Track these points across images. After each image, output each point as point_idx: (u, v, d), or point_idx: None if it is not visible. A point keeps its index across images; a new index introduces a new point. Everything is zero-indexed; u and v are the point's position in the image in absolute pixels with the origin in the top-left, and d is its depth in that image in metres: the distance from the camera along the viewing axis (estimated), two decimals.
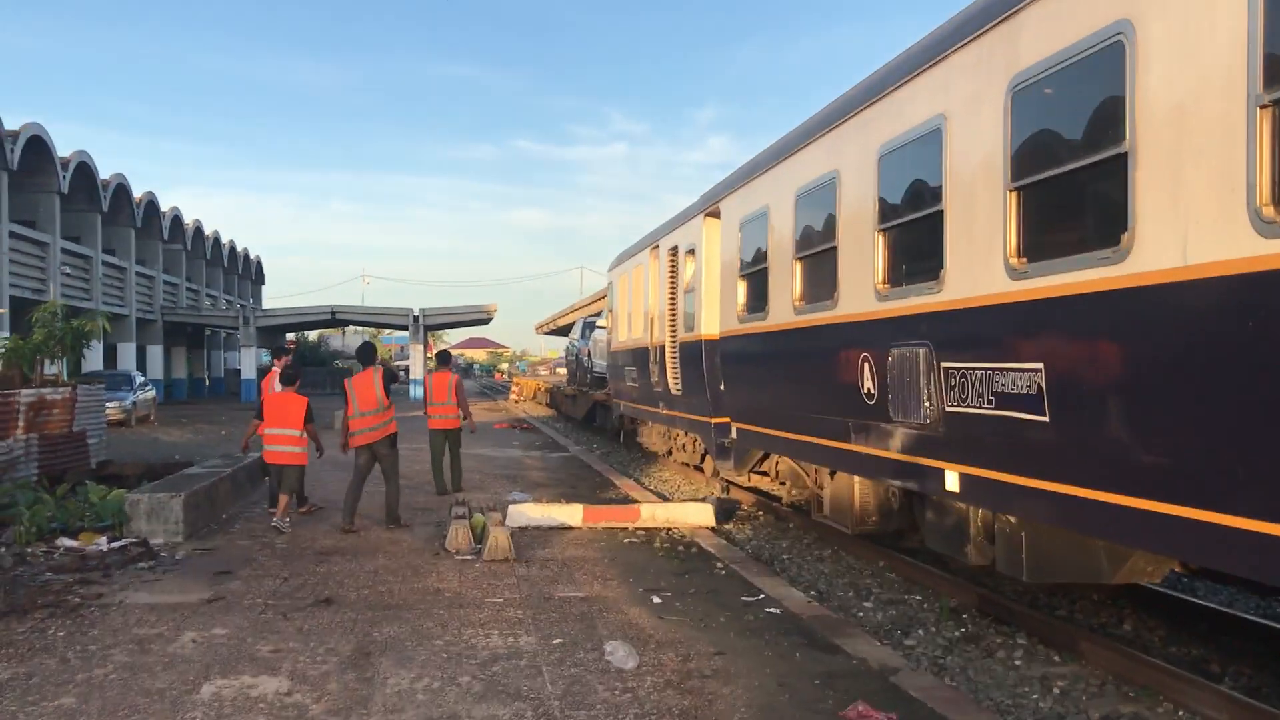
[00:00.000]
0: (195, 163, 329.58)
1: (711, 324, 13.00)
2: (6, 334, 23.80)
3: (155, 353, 49.92)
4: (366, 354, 12.01)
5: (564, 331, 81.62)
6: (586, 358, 27.62)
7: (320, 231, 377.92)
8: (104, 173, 42.90)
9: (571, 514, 11.78)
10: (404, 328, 53.50)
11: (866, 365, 8.16)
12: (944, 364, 6.93)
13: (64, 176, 38.32)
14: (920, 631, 7.89)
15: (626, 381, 18.65)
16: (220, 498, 12.40)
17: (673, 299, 15.01)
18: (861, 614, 8.49)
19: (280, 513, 11.20)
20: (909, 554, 10.12)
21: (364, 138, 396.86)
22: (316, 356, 71.93)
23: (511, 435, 26.10)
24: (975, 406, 6.50)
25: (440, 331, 68.28)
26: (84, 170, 40.70)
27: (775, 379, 10.71)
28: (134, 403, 31.63)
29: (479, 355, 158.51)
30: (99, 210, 42.53)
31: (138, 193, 46.97)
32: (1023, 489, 6.11)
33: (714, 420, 13.01)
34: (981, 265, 6.43)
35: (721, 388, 12.83)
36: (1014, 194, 6.12)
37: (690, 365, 13.93)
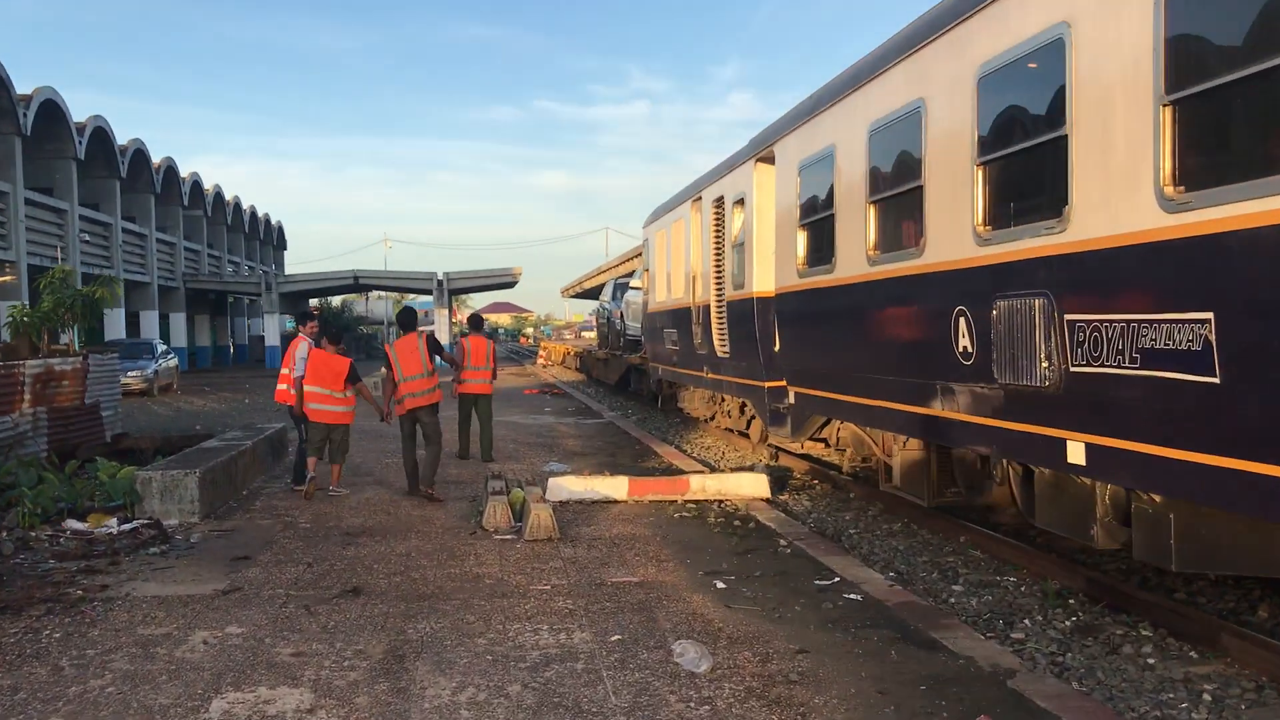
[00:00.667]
0: (215, 130, 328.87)
1: (764, 280, 12.01)
2: (25, 303, 23.13)
3: (178, 320, 49.44)
4: (407, 318, 11.72)
5: (591, 294, 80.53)
6: (619, 320, 26.68)
7: (342, 197, 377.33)
8: (121, 139, 42.20)
9: (616, 486, 10.94)
10: (428, 292, 52.76)
11: (962, 320, 7.17)
12: (1069, 316, 5.93)
13: (80, 142, 37.57)
14: (1026, 622, 6.95)
15: (665, 344, 17.71)
16: (240, 473, 11.61)
17: (718, 254, 14.01)
18: (953, 600, 7.55)
19: (335, 479, 11.21)
20: (990, 528, 9.19)
21: (384, 101, 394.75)
22: (339, 322, 71.42)
23: (543, 401, 25.28)
24: (1112, 366, 5.52)
25: (464, 295, 67.57)
26: (100, 136, 39.94)
27: (842, 338, 9.71)
28: (156, 371, 31.05)
29: (503, 319, 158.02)
30: (117, 176, 41.84)
31: (156, 158, 46.25)
32: (1177, 464, 5.14)
33: (767, 384, 12.07)
34: (1122, 197, 5.42)
35: (776, 349, 11.86)
36: (1168, 109, 5.09)
37: (740, 326, 12.97)
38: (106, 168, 41.32)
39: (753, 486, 11.08)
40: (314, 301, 60.50)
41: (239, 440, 12.50)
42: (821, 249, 9.97)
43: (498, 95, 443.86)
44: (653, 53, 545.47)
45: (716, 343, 14.15)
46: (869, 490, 11.25)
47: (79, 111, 38.12)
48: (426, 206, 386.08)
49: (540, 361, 50.91)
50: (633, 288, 23.81)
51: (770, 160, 11.88)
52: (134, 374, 30.17)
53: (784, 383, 11.80)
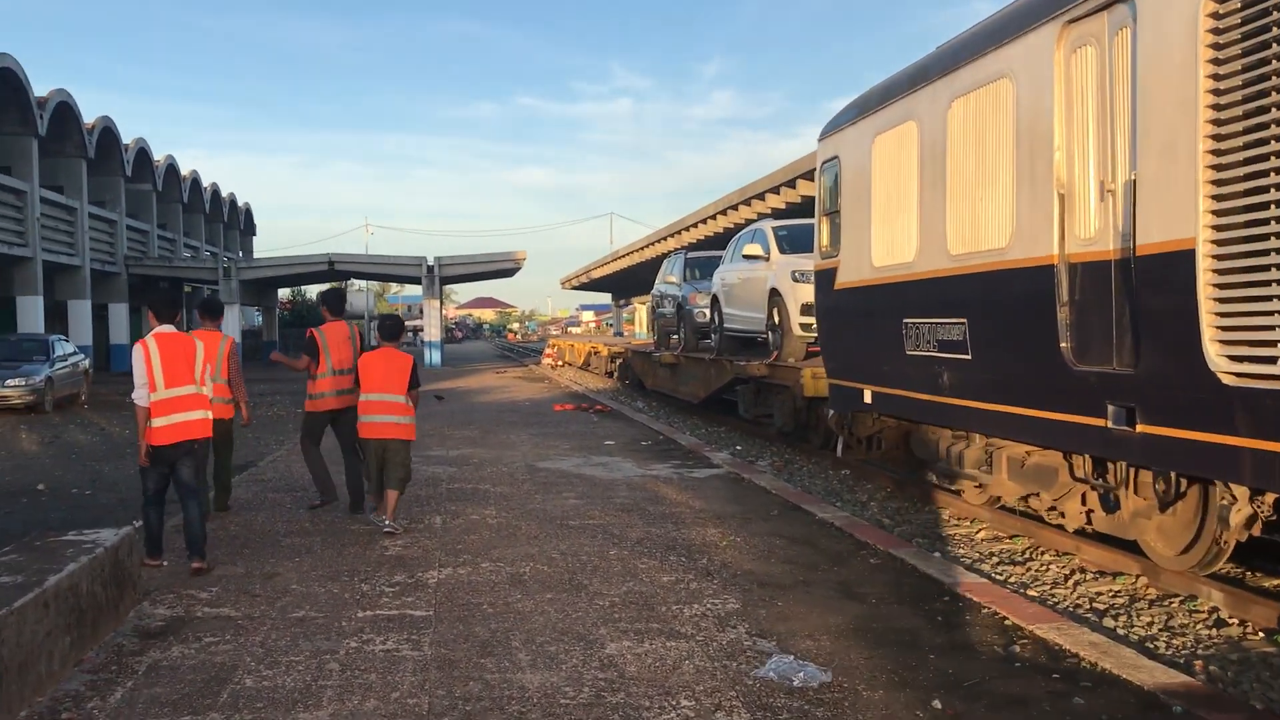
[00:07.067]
0: (194, 124, 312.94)
1: None
2: None
3: (119, 312, 39.84)
4: (335, 300, 9.16)
5: (597, 286, 70.67)
6: (703, 310, 17.64)
7: (324, 192, 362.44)
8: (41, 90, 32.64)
9: None
10: (416, 280, 43.38)
11: None
12: None
13: None
14: None
15: (907, 348, 8.69)
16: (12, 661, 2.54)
17: (1225, 120, 5.03)
18: None
19: (390, 512, 7.86)
20: None
21: (366, 96, 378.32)
22: (314, 317, 61.77)
23: (589, 425, 16.19)
24: None
25: (455, 285, 58.13)
26: (9, 80, 30.36)
27: None
28: (50, 379, 21.56)
29: (487, 314, 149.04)
30: (34, 134, 32.13)
31: (89, 118, 36.60)
32: None
33: None
34: None
35: None
36: None
37: None
38: (21, 123, 31.71)
39: None
40: (284, 292, 50.89)
41: (43, 569, 3.43)
42: None
43: (480, 91, 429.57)
44: (636, 50, 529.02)
45: (1213, 349, 5.17)
46: None
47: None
48: (408, 202, 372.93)
49: (547, 361, 41.68)
50: (746, 256, 14.69)
51: None
52: (14, 383, 20.80)
53: None
